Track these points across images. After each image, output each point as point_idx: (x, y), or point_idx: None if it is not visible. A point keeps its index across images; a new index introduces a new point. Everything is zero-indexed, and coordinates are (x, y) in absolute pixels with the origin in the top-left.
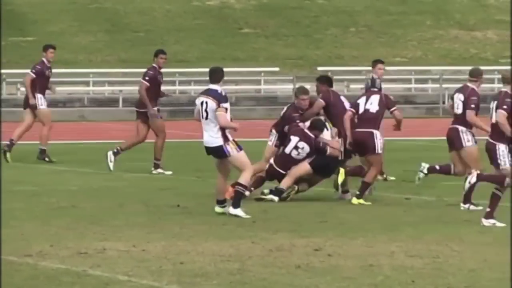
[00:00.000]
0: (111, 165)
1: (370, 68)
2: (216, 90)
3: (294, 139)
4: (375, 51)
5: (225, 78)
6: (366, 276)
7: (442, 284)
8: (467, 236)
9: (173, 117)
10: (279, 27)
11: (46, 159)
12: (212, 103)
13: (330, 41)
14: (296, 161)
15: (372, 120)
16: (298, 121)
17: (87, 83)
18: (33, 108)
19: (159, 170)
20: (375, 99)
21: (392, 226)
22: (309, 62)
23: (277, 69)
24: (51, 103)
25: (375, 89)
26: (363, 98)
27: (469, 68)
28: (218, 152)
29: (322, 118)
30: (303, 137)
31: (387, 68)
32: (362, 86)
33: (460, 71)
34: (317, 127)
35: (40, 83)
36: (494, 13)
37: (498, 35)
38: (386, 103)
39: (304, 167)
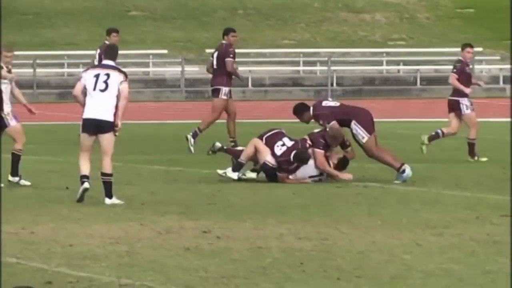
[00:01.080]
0: (192, 148)
1: (259, 50)
2: (116, 66)
3: (290, 141)
4: (263, 33)
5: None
6: (254, 259)
7: (331, 266)
8: (356, 219)
9: (62, 100)
10: (167, 10)
11: None
12: (118, 75)
13: (218, 24)
14: (269, 147)
15: None
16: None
17: None
18: None
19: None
20: None
21: (281, 209)
22: (197, 45)
23: (165, 51)
24: None
25: None
26: None
27: (358, 50)
28: (106, 128)
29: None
30: (293, 147)
31: (275, 50)
32: (251, 68)
33: (348, 53)
34: (300, 158)
35: None
36: None
37: (386, 18)
38: None
39: (264, 155)
